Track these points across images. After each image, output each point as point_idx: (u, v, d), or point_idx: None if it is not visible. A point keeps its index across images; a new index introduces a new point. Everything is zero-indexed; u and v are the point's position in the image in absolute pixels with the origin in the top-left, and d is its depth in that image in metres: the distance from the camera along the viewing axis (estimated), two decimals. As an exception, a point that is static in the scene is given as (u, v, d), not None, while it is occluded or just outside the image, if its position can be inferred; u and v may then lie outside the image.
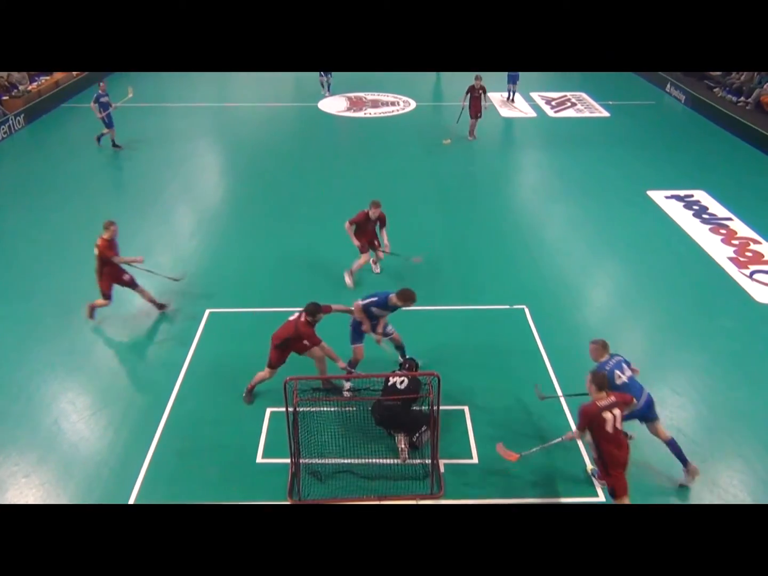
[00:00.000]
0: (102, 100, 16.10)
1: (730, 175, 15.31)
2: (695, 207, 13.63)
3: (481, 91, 16.58)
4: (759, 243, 12.12)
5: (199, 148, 16.43)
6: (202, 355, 8.87)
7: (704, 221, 13.01)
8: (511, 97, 20.80)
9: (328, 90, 21.39)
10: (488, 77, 16.93)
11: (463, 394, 8.03)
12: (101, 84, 16.35)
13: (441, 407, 6.72)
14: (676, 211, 13.41)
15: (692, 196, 14.13)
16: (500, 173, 15.79)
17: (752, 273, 11.08)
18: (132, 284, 9.45)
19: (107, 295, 9.30)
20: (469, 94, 16.69)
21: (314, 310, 7.41)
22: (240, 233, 12.51)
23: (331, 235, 12.23)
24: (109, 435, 7.58)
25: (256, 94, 22.21)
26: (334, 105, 20.52)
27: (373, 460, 7.04)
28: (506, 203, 13.99)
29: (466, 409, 7.85)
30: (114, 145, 16.67)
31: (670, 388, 8.34)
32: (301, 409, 6.70)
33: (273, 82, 23.68)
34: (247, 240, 12.21)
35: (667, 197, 14.06)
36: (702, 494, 6.83)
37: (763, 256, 11.66)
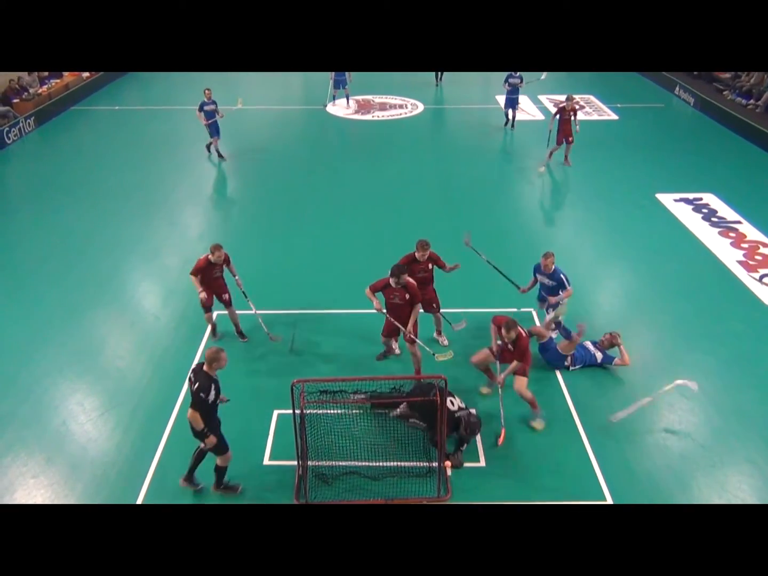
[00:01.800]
0: (206, 108, 15.28)
1: (740, 178, 15.23)
2: (704, 210, 13.58)
3: (572, 113, 14.76)
4: (768, 246, 12.07)
5: (205, 151, 16.48)
6: (210, 357, 8.90)
7: (713, 224, 12.95)
8: (511, 123, 18.32)
9: (347, 101, 20.69)
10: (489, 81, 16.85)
11: (470, 397, 8.03)
12: (206, 91, 15.33)
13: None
14: (685, 215, 13.36)
15: (701, 199, 14.08)
16: (508, 176, 15.78)
17: (762, 276, 11.02)
18: (228, 303, 9.10)
19: (205, 308, 8.95)
20: (558, 116, 14.95)
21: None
22: (248, 235, 12.54)
23: (338, 237, 12.28)
24: (117, 436, 7.61)
25: (264, 97, 22.26)
26: (342, 108, 20.56)
27: (380, 463, 7.04)
28: (514, 206, 13.97)
29: (473, 411, 7.83)
30: (219, 155, 16.06)
31: (679, 392, 8.29)
32: (308, 412, 6.71)
33: (280, 84, 23.76)
34: (255, 242, 12.24)
35: (676, 200, 14.00)
36: (711, 498, 6.79)
37: (772, 259, 11.60)
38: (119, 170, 15.63)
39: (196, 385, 6.19)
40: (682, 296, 10.44)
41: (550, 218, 13.35)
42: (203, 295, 8.64)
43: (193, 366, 6.49)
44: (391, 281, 7.78)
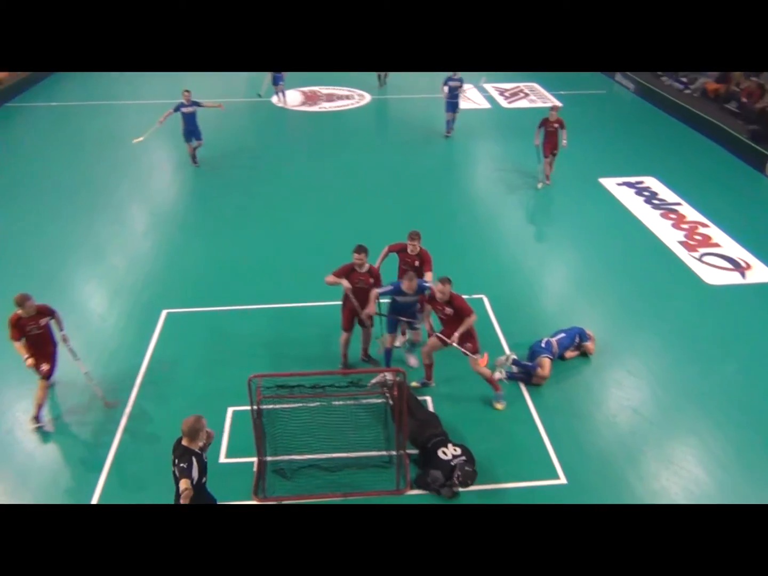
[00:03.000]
0: (184, 110, 14.16)
1: (679, 160, 15.72)
2: (646, 193, 13.97)
3: (557, 125, 13.46)
4: (707, 226, 12.49)
5: (149, 147, 16.08)
6: (161, 356, 8.73)
7: (655, 207, 13.34)
8: (447, 128, 16.91)
9: (281, 97, 19.88)
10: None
11: (426, 387, 8.12)
12: (185, 93, 14.15)
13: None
14: (627, 198, 13.72)
15: (643, 182, 14.48)
16: (455, 165, 15.90)
17: (702, 255, 11.44)
18: (46, 377, 7.62)
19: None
20: (542, 129, 13.70)
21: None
22: (194, 232, 12.31)
23: (288, 231, 12.19)
24: (67, 442, 7.41)
25: (207, 90, 21.84)
26: (288, 99, 20.33)
27: (340, 455, 7.06)
28: (462, 194, 14.10)
29: (429, 399, 7.94)
30: (193, 159, 15.00)
31: (626, 369, 8.56)
32: (265, 407, 6.67)
33: (224, 76, 23.32)
34: (202, 238, 12.04)
35: (618, 184, 14.36)
36: (659, 472, 7.04)
37: (711, 238, 12.03)
38: (59, 169, 15.10)
39: (177, 460, 5.26)
40: (627, 277, 10.74)
41: (497, 205, 13.51)
42: (30, 362, 7.24)
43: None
44: (356, 262, 7.77)
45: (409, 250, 8.29)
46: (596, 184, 14.38)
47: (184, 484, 5.11)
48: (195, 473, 5.17)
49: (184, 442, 5.30)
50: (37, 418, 7.61)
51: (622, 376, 8.44)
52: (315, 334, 8.99)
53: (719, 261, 11.25)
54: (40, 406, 7.63)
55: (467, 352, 7.58)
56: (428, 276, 8.14)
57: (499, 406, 7.78)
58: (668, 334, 9.25)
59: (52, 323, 7.72)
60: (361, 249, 7.78)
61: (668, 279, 10.74)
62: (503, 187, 14.40)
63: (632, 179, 14.60)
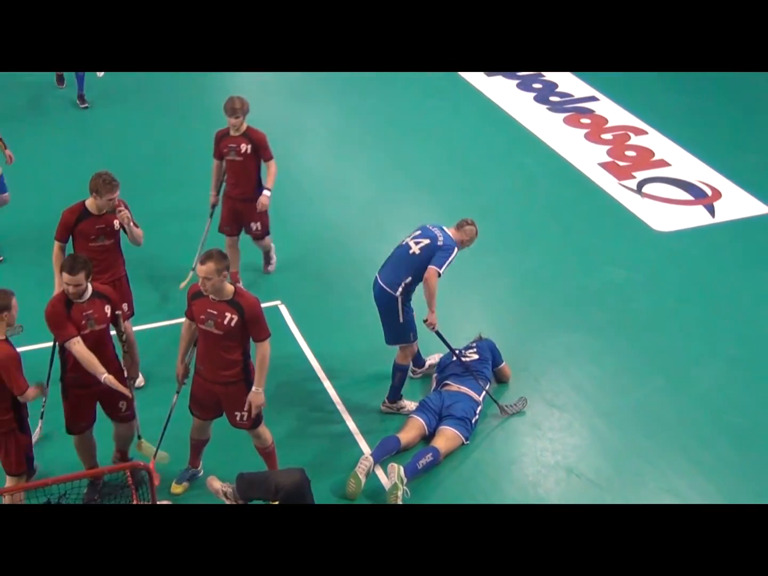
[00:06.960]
0: None
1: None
2: (536, 85, 14.55)
3: (246, 147, 9.36)
4: (644, 133, 13.21)
5: None
6: None
7: (555, 107, 13.95)
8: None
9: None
10: None
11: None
12: None
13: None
14: (507, 96, 14.23)
15: (529, 66, 15.06)
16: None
17: (640, 184, 11.95)
18: None
19: None
20: (221, 160, 9.62)
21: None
22: None
23: None
24: None
25: None
26: None
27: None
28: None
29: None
30: None
31: (545, 400, 8.68)
32: None
33: None
34: None
35: (489, 74, 14.87)
36: None
37: (652, 154, 12.69)
38: None
39: None
40: (522, 236, 11.06)
41: (286, 142, 13.34)
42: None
43: None
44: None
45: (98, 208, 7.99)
46: (454, 78, 14.73)
47: None
48: None
49: None
50: None
51: (541, 413, 8.55)
52: None
53: (670, 190, 11.87)
54: None
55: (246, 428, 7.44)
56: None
57: (179, 488, 7.85)
58: (604, 327, 9.54)
59: None
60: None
61: (593, 229, 11.19)
62: (288, 97, 14.27)
63: (511, 63, 15.13)
